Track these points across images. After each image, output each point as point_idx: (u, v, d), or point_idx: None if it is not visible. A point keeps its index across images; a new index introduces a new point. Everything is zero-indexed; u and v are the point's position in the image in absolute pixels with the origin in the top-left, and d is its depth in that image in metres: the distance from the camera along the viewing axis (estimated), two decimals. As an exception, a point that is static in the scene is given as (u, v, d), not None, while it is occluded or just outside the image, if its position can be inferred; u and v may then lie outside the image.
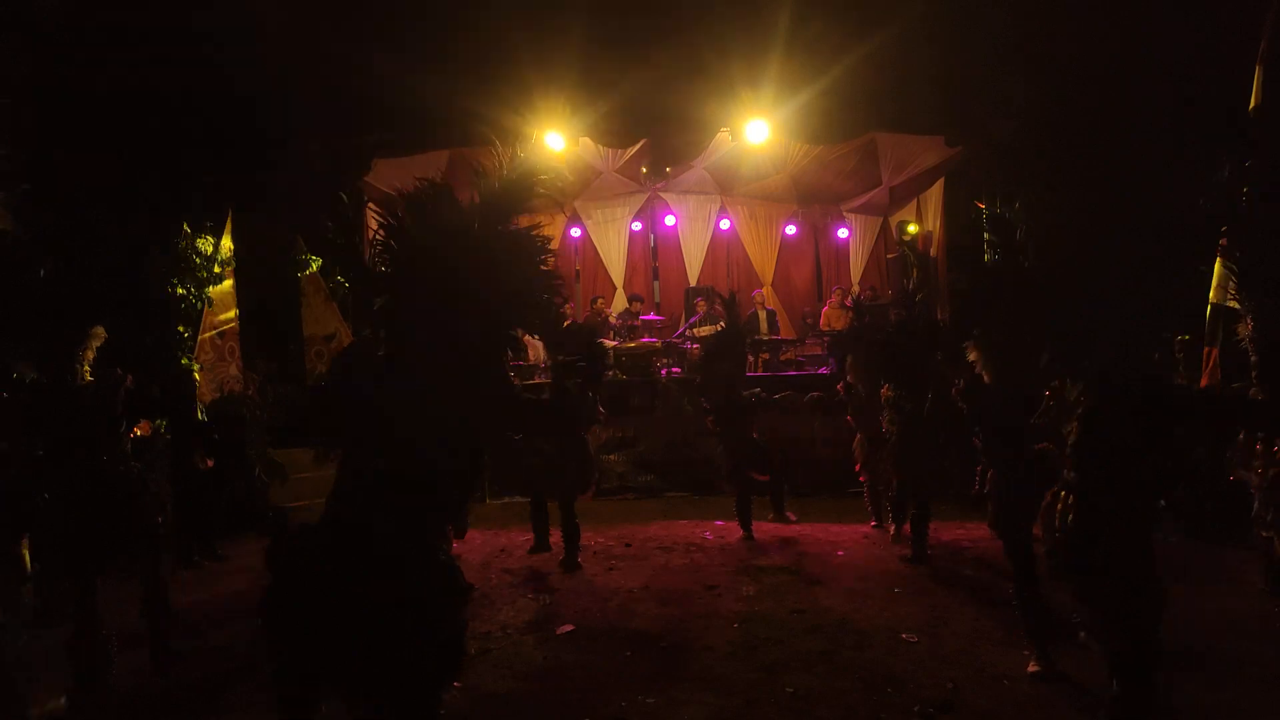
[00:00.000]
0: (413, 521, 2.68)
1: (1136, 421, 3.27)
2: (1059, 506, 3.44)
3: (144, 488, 4.58)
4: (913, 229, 12.12)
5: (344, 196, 3.12)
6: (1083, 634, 3.54)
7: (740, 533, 7.58)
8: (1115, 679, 3.34)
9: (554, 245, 3.15)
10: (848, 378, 7.87)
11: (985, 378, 4.33)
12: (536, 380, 10.16)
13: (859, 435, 7.80)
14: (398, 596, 2.56)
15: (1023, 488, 4.17)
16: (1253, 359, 4.83)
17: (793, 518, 7.97)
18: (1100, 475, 3.34)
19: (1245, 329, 4.95)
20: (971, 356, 4.38)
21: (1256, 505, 5.31)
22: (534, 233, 2.98)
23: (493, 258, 2.82)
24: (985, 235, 3.77)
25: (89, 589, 4.32)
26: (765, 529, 7.73)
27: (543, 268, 2.96)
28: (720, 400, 7.62)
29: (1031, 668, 4.23)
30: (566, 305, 12.65)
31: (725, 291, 13.31)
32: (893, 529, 7.31)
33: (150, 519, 4.54)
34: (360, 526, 2.63)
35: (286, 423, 8.46)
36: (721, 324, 12.12)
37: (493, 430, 3.04)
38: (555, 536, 6.92)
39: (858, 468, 7.93)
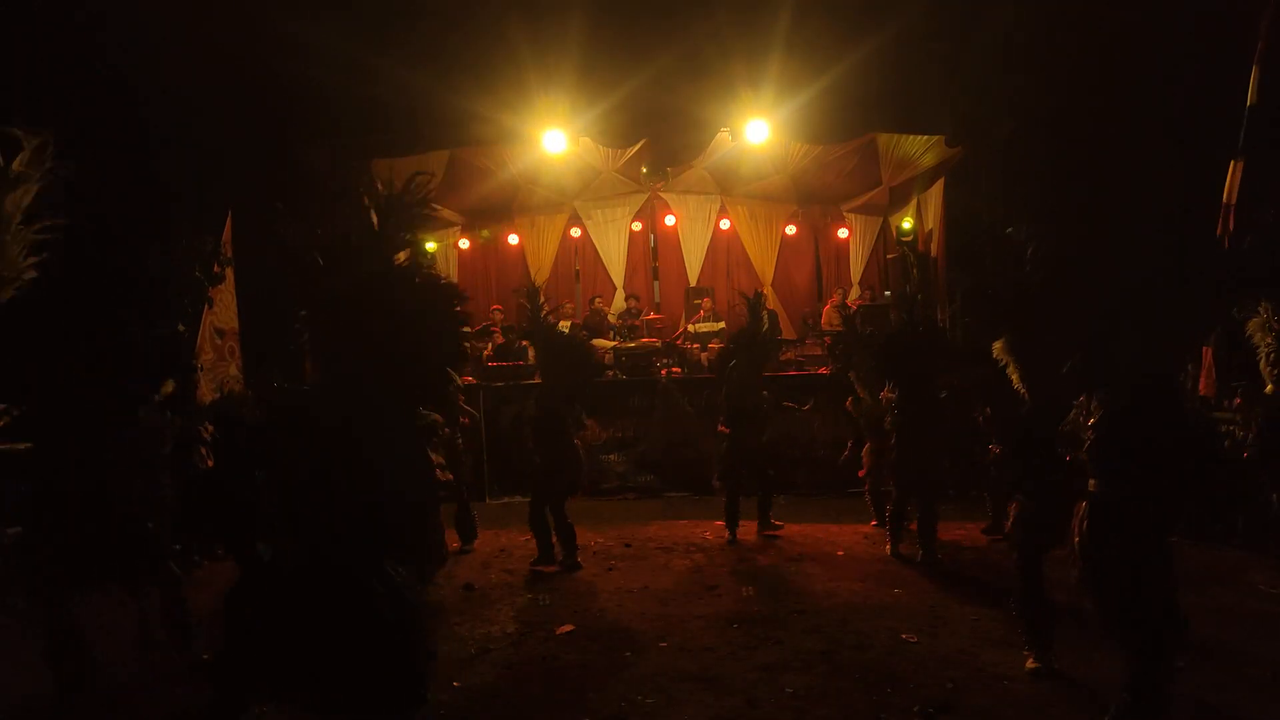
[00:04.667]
0: (358, 548, 2.70)
1: (1151, 431, 3.28)
2: (1080, 514, 3.47)
3: (139, 503, 4.47)
4: (907, 224, 12.12)
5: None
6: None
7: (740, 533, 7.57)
8: (1128, 678, 3.37)
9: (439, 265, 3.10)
10: (856, 389, 7.78)
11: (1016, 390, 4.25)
12: (537, 380, 10.16)
13: (867, 443, 7.74)
14: (346, 621, 2.58)
15: (1046, 498, 4.14)
16: (1264, 353, 4.81)
17: (779, 524, 7.73)
18: (1115, 482, 3.35)
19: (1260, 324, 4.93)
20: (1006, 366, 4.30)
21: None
22: (416, 264, 2.92)
23: (388, 298, 2.80)
24: (989, 249, 3.78)
25: (62, 598, 4.23)
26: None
27: (443, 300, 2.91)
28: (733, 401, 7.51)
29: (1030, 664, 4.24)
30: (566, 305, 12.67)
31: (723, 293, 13.39)
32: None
33: (141, 533, 4.45)
34: (306, 554, 2.69)
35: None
36: (723, 323, 12.19)
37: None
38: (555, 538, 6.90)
39: (862, 473, 7.87)
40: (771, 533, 7.56)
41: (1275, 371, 4.60)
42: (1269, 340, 4.81)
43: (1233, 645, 4.62)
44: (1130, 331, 3.35)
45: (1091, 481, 3.47)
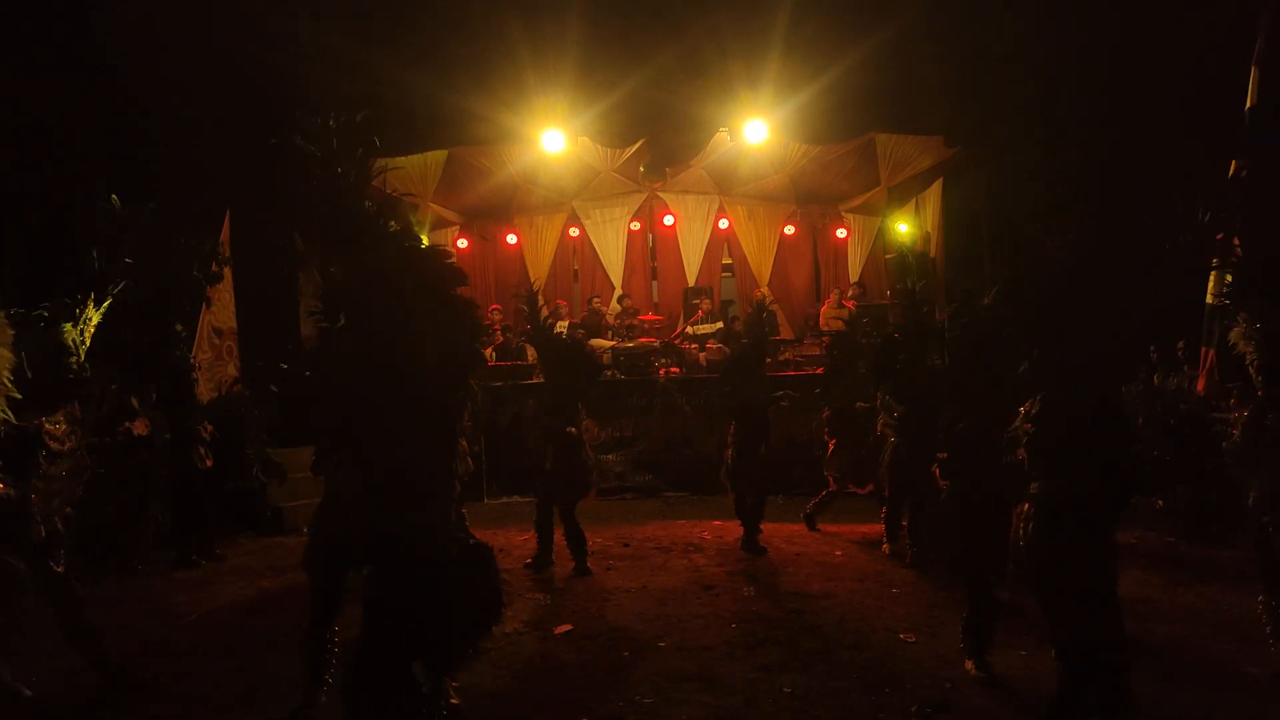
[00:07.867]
0: (408, 506, 2.90)
1: (1089, 428, 3.31)
2: (1022, 515, 3.50)
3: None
4: (905, 225, 12.10)
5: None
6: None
7: (739, 532, 7.49)
8: (1059, 681, 3.41)
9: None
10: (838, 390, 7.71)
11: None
12: (537, 380, 10.16)
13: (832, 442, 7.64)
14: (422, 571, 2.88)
15: (983, 505, 4.12)
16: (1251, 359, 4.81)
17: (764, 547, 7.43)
18: (1054, 480, 3.38)
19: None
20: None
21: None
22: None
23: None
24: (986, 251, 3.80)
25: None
26: (764, 529, 7.69)
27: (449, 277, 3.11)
28: (749, 414, 7.30)
29: (972, 670, 4.24)
30: (562, 306, 12.66)
31: (719, 295, 13.36)
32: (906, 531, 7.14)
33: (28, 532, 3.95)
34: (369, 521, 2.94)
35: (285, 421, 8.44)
36: (720, 324, 12.16)
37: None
38: (559, 541, 6.86)
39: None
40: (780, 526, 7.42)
41: (1261, 378, 4.59)
42: (1250, 348, 4.81)
43: (1230, 646, 4.63)
44: (1082, 330, 3.38)
45: (1033, 485, 3.49)
